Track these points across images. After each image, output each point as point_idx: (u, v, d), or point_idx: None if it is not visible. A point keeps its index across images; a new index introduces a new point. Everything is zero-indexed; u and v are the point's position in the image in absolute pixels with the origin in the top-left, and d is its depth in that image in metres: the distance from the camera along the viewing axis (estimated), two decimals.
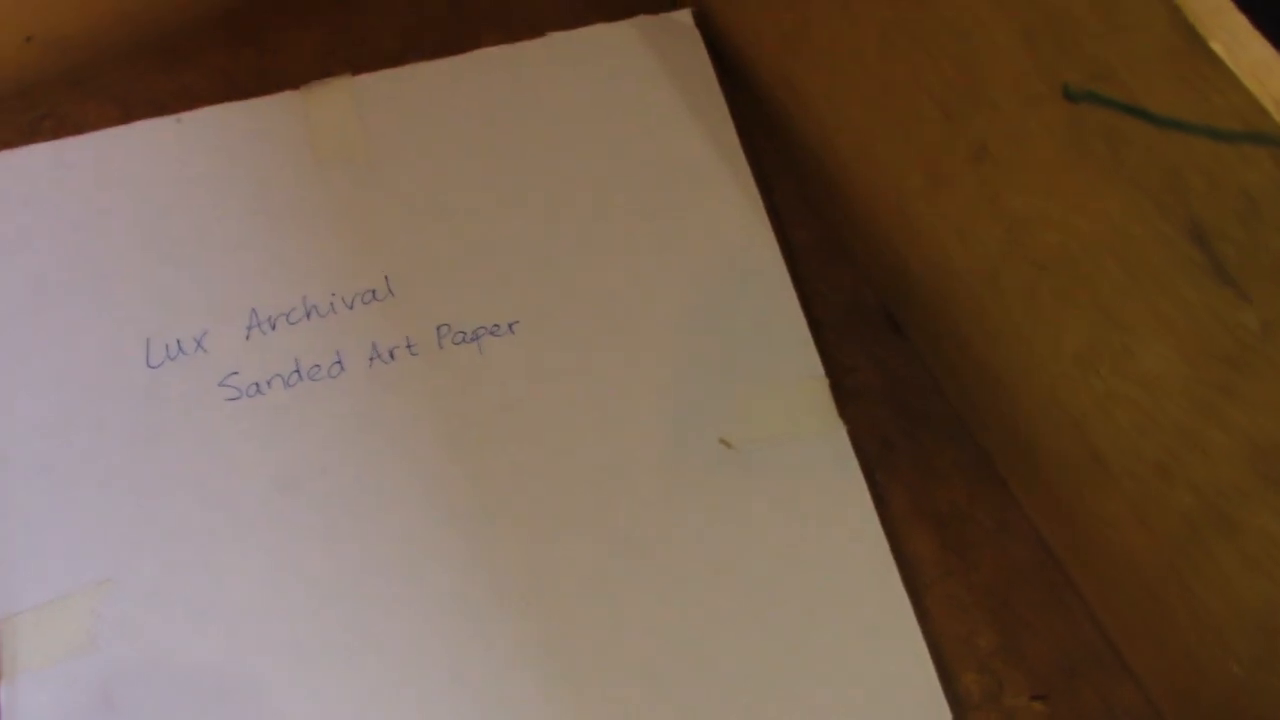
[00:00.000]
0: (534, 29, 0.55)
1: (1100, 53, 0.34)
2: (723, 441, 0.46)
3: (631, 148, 0.52)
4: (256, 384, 0.47)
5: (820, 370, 0.48)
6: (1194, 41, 0.30)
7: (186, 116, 0.52)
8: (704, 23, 0.55)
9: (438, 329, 0.48)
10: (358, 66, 0.54)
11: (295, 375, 0.47)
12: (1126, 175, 0.35)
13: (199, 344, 0.48)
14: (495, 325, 0.48)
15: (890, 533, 0.45)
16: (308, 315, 0.49)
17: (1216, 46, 0.30)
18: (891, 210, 0.47)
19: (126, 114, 0.54)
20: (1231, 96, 0.30)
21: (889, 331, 0.51)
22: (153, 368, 0.47)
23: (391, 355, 0.48)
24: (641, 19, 0.55)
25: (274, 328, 0.48)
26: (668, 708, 0.43)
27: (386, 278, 0.49)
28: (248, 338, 0.48)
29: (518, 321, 0.49)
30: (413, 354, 0.48)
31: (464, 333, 0.48)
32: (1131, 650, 0.45)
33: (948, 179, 0.43)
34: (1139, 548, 0.42)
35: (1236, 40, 0.30)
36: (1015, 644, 0.46)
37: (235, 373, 0.47)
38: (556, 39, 0.54)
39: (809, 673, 0.43)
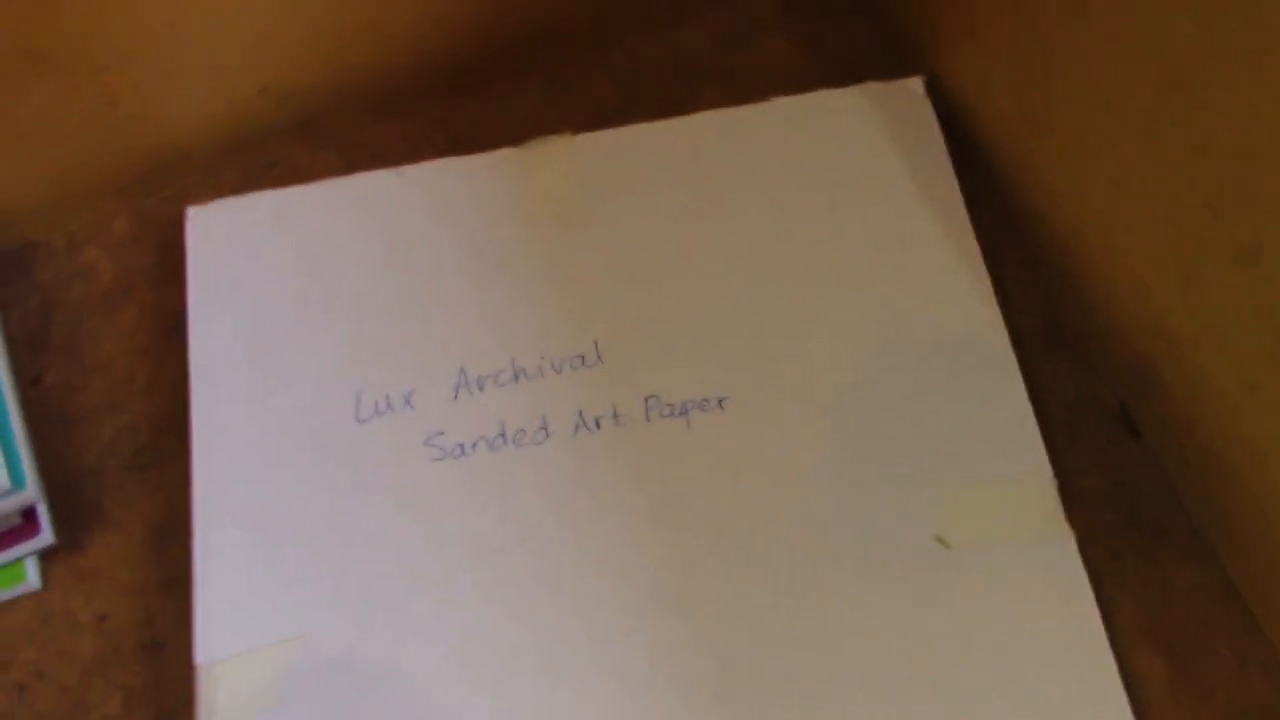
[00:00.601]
0: (758, 92, 0.53)
1: None
2: (938, 540, 0.44)
3: (853, 218, 0.50)
4: (461, 445, 0.47)
5: (1048, 468, 0.44)
6: None
7: (407, 170, 0.52)
8: (935, 91, 0.52)
9: (645, 400, 0.47)
10: (576, 121, 0.54)
11: (500, 439, 0.47)
12: None
13: (407, 401, 0.48)
14: (705, 400, 0.47)
15: (1115, 653, 0.42)
16: (515, 378, 0.48)
17: None
18: (1137, 305, 0.44)
19: (349, 164, 0.54)
20: None
21: (1123, 433, 0.48)
22: (361, 422, 0.47)
23: (597, 424, 0.47)
24: (870, 85, 0.53)
25: (482, 389, 0.48)
26: None
27: (596, 343, 0.48)
28: (455, 397, 0.48)
29: (728, 397, 0.47)
30: (619, 424, 0.47)
31: (672, 406, 0.47)
32: None
33: (1209, 280, 0.39)
34: None
35: None
36: None
37: (441, 432, 0.47)
38: (781, 104, 0.53)
39: None
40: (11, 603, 0.48)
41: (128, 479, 0.50)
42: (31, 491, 0.46)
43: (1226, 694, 0.43)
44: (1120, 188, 0.42)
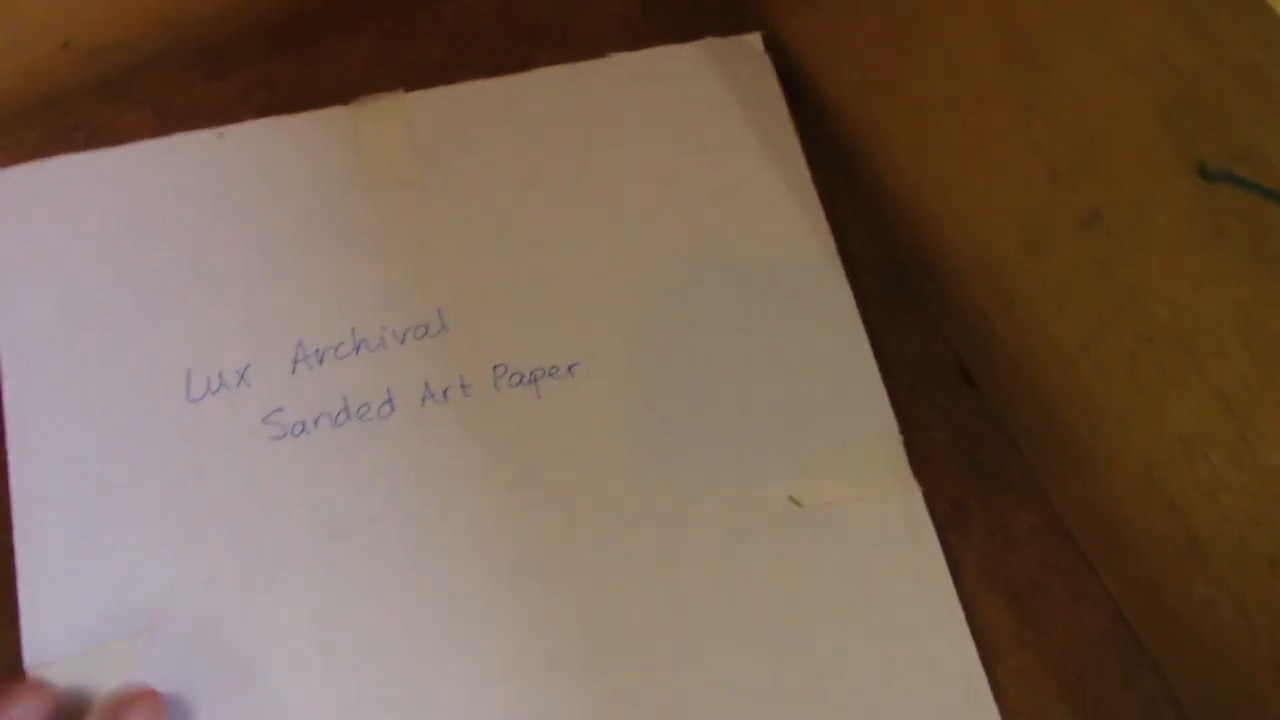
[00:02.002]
0: (593, 52, 0.52)
1: (1246, 134, 0.32)
2: (793, 500, 0.44)
3: (696, 176, 0.50)
4: (302, 422, 0.45)
5: (895, 429, 0.45)
6: None
7: (229, 130, 0.49)
8: (776, 51, 0.52)
9: (494, 369, 0.46)
10: (406, 79, 0.51)
11: (343, 414, 0.45)
12: (1265, 262, 0.33)
13: (242, 377, 0.45)
14: (554, 367, 0.46)
15: (962, 601, 0.43)
16: (356, 349, 0.46)
17: None
18: (978, 267, 0.45)
19: (163, 126, 0.51)
20: None
21: (962, 385, 0.49)
22: (193, 401, 0.45)
23: (445, 395, 0.45)
24: (709, 41, 0.52)
25: (321, 361, 0.46)
26: None
27: (440, 311, 0.47)
28: (293, 372, 0.46)
29: (578, 364, 0.46)
30: (467, 395, 0.46)
31: (521, 374, 0.46)
32: None
33: (1050, 244, 0.40)
34: (1234, 636, 0.40)
35: None
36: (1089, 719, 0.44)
37: (280, 409, 0.45)
38: (620, 59, 0.52)
39: None
40: None
41: None
42: None
43: (1064, 630, 0.45)
44: (963, 153, 0.43)
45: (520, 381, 0.46)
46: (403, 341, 0.46)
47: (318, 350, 0.46)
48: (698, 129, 0.51)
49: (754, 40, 0.52)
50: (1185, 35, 0.32)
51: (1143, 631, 0.45)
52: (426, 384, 0.46)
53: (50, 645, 0.41)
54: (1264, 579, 0.37)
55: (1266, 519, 0.36)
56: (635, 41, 0.53)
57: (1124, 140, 0.36)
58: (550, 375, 0.46)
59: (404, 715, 0.41)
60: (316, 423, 0.45)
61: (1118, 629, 0.45)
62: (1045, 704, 0.44)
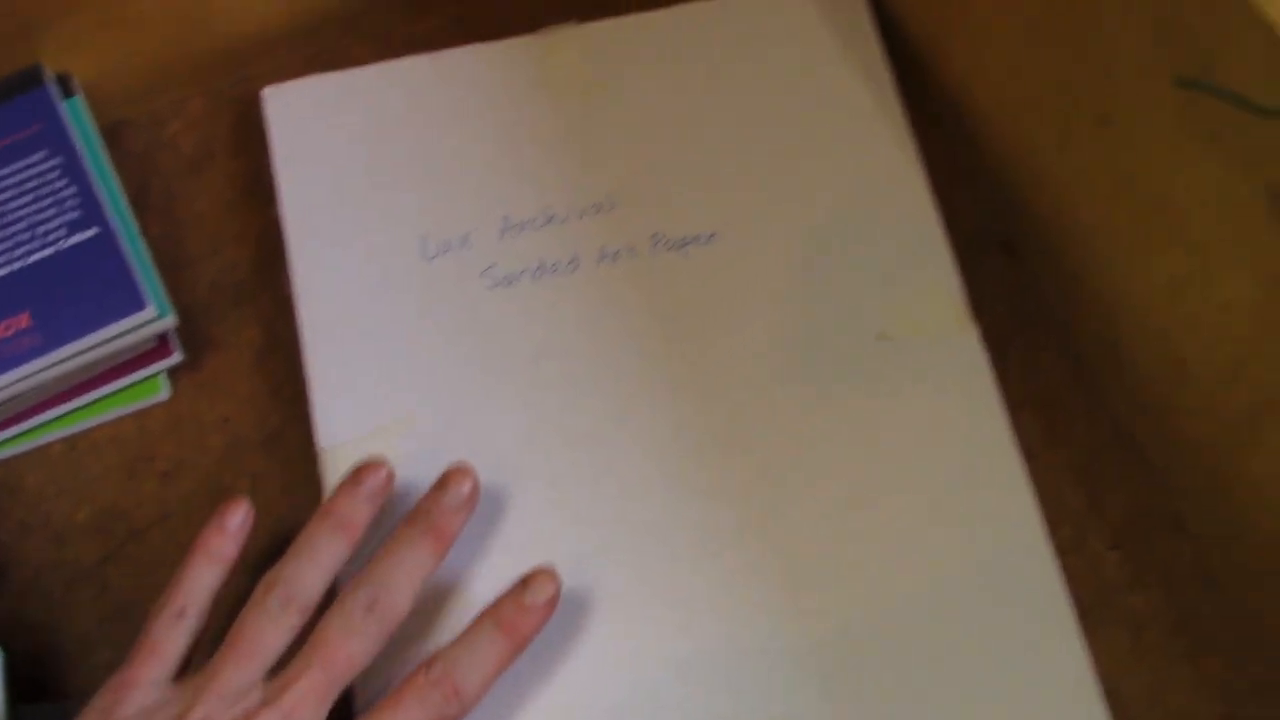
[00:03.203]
0: None
1: (1210, 51, 0.45)
2: (882, 335, 0.59)
3: (807, 92, 0.63)
4: (509, 276, 0.60)
5: (957, 284, 0.60)
6: None
7: (443, 54, 0.64)
8: None
9: (652, 237, 0.61)
10: (570, 16, 0.66)
11: (540, 270, 0.60)
12: (1222, 147, 0.46)
13: (465, 242, 0.60)
14: (698, 236, 0.61)
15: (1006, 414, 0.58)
16: (549, 222, 0.61)
17: None
18: (1021, 159, 0.59)
19: (386, 52, 0.65)
20: None
21: (1004, 254, 0.63)
22: (429, 259, 0.60)
23: (615, 257, 0.60)
24: None
25: (522, 231, 0.61)
26: (831, 528, 0.56)
27: (610, 193, 0.61)
28: (501, 238, 0.61)
29: (716, 234, 0.61)
30: (633, 257, 0.60)
31: (673, 240, 0.61)
32: (1191, 514, 0.58)
33: (1074, 138, 0.54)
34: (1207, 433, 0.54)
35: None
36: (1098, 504, 0.58)
37: (493, 265, 0.60)
38: None
39: (935, 511, 0.56)
40: (147, 411, 0.60)
41: (231, 311, 0.62)
42: (171, 318, 0.57)
43: (1081, 437, 0.60)
44: (1010, 69, 0.57)
45: (672, 246, 0.61)
46: (582, 218, 0.61)
47: (519, 223, 0.61)
48: (806, 53, 0.64)
49: None
50: None
51: (1140, 437, 0.59)
52: (601, 248, 0.61)
53: (335, 431, 0.57)
54: (1227, 385, 0.51)
55: (1227, 337, 0.50)
56: None
57: (1126, 58, 0.49)
58: (694, 243, 0.61)
59: (587, 479, 0.56)
60: (520, 276, 0.60)
61: (1122, 437, 0.60)
62: (1064, 490, 0.59)
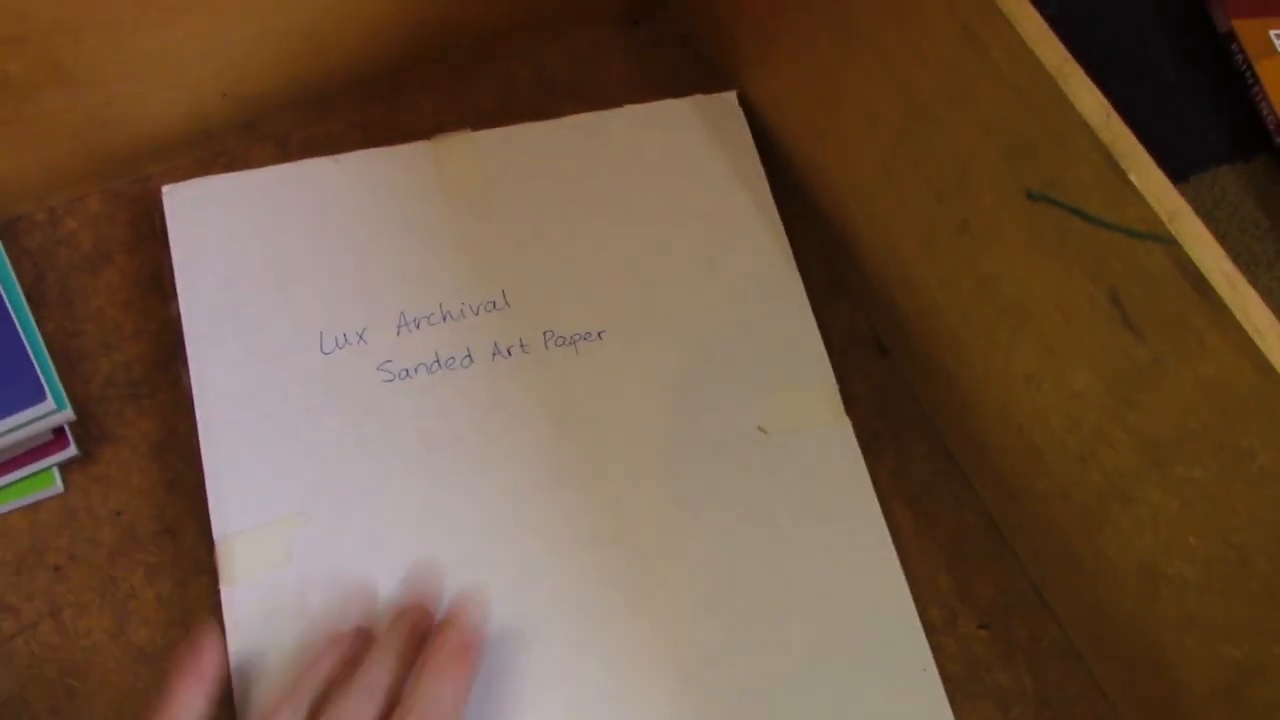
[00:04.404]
0: (604, 101, 0.70)
1: (1054, 170, 0.50)
2: (760, 429, 0.62)
3: (689, 199, 0.67)
4: (406, 370, 0.62)
5: (833, 378, 0.63)
6: (1116, 170, 0.47)
7: (342, 157, 0.66)
8: (745, 105, 0.70)
9: (544, 333, 0.63)
10: (468, 122, 0.69)
11: (435, 364, 0.62)
12: (1069, 254, 0.51)
13: (361, 337, 0.62)
14: (588, 332, 0.64)
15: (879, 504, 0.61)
16: (444, 319, 0.63)
17: (1132, 177, 0.46)
18: (889, 263, 0.63)
19: (284, 154, 0.68)
20: (1140, 209, 0.46)
21: (877, 352, 0.67)
22: (325, 354, 0.62)
23: (509, 352, 0.63)
24: (697, 97, 0.70)
25: (418, 327, 0.63)
26: (714, 610, 0.58)
27: (503, 292, 0.64)
28: (398, 334, 0.63)
29: (605, 330, 0.64)
30: (525, 352, 0.63)
31: (564, 337, 0.63)
32: (1053, 593, 0.62)
33: (937, 244, 0.59)
34: (1061, 516, 0.58)
35: (1143, 171, 0.47)
36: (967, 586, 0.62)
37: (389, 360, 0.62)
38: (630, 110, 0.69)
39: (813, 595, 0.59)
40: (40, 504, 0.60)
41: (126, 405, 0.63)
42: (68, 411, 0.58)
43: (948, 524, 0.63)
44: (878, 184, 0.61)
45: (563, 343, 0.63)
46: (477, 314, 0.64)
47: (415, 319, 0.63)
48: (688, 164, 0.68)
49: (730, 97, 0.70)
50: (1017, 107, 0.51)
51: (1002, 522, 0.63)
52: (495, 344, 0.63)
53: (232, 522, 0.58)
54: (1078, 471, 0.55)
55: (1077, 427, 0.54)
56: (637, 96, 0.70)
57: (982, 174, 0.54)
58: (585, 339, 0.63)
59: (477, 564, 0.58)
60: (416, 370, 0.62)
61: (986, 523, 0.63)
62: (935, 574, 0.62)
